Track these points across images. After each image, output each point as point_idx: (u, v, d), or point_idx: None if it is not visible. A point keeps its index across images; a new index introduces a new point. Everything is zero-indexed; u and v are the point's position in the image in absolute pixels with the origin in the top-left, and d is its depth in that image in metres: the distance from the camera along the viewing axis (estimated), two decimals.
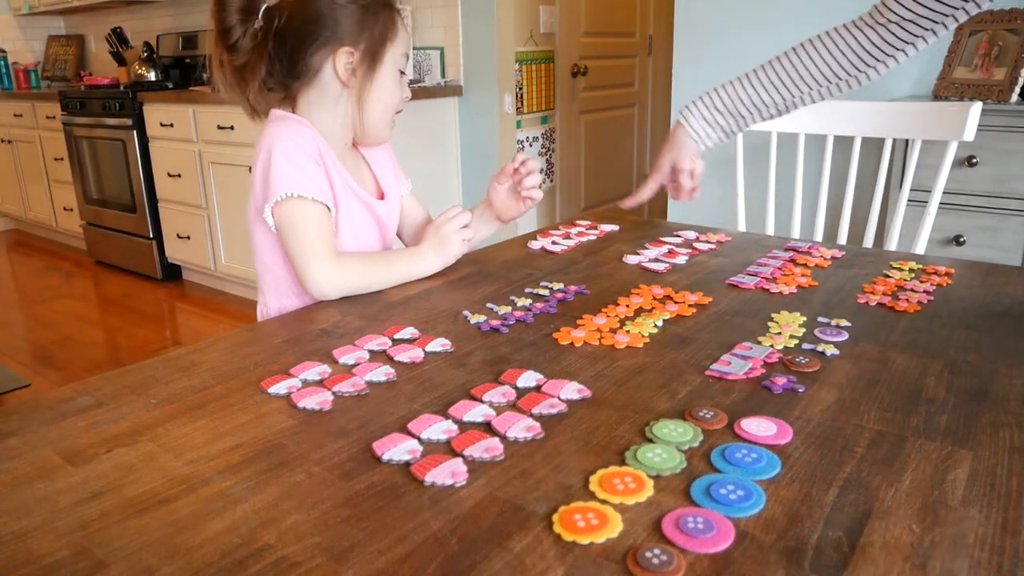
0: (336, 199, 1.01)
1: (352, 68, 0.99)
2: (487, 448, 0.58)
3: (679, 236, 1.24)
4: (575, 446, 0.59)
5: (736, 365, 0.73)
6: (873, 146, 2.13)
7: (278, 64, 0.98)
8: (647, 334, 0.82)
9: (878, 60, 1.09)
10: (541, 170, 3.41)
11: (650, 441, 0.59)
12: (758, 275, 1.02)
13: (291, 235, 0.96)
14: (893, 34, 1.05)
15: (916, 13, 1.02)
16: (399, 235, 1.20)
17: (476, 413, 0.64)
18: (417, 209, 1.21)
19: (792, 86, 1.14)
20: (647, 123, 4.14)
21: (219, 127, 3.11)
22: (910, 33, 1.04)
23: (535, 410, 0.64)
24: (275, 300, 1.07)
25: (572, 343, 0.80)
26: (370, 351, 0.78)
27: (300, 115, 1.02)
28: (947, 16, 1.02)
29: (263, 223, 1.00)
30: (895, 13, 1.04)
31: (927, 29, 1.03)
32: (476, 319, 0.87)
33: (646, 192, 1.23)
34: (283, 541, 0.48)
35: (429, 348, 0.79)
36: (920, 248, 1.44)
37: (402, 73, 1.04)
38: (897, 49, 1.07)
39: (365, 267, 0.98)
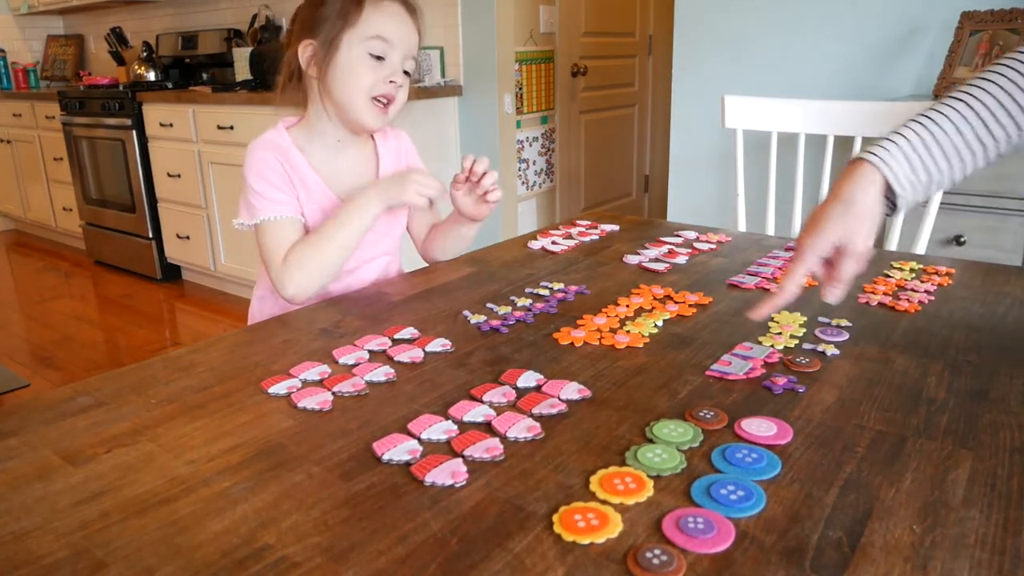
0: (307, 207, 1.06)
1: (312, 58, 1.03)
2: (487, 448, 0.58)
3: (679, 236, 1.24)
4: (575, 446, 0.59)
5: (736, 365, 0.73)
6: None
7: (285, 69, 1.07)
8: (647, 334, 0.82)
9: None
10: (541, 171, 3.41)
11: (650, 441, 0.59)
12: (758, 275, 1.02)
13: (262, 255, 1.04)
14: None
15: None
16: (409, 231, 1.20)
17: (476, 413, 0.64)
18: (429, 214, 1.20)
19: (1019, 115, 0.74)
20: (647, 123, 4.14)
21: (219, 127, 3.11)
22: None
23: (535, 410, 0.64)
24: (273, 301, 1.10)
25: (572, 343, 0.80)
26: (370, 351, 0.78)
27: (309, 112, 1.08)
28: None
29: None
30: None
31: None
32: (476, 319, 0.87)
33: (792, 289, 0.74)
34: (283, 541, 0.48)
35: (429, 348, 0.79)
36: (920, 248, 1.44)
37: (377, 57, 1.02)
38: None
39: (311, 250, 1.01)
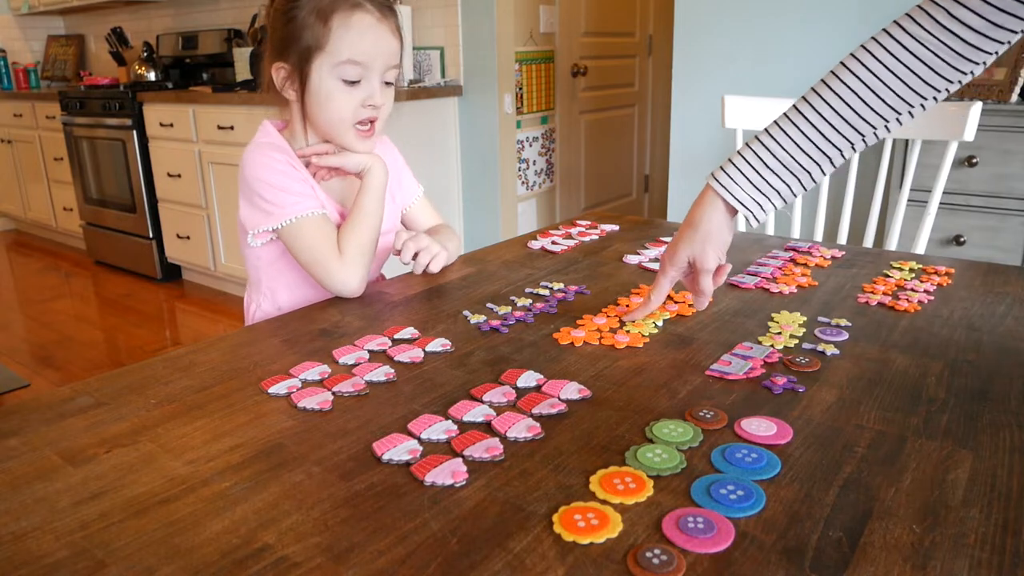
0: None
1: (286, 81, 0.99)
2: (487, 448, 0.58)
3: None
4: (575, 446, 0.59)
5: (736, 365, 0.73)
6: (873, 146, 2.13)
7: (265, 81, 1.03)
8: (647, 334, 0.82)
9: (974, 62, 0.73)
10: (541, 171, 3.41)
11: (650, 441, 0.59)
12: (758, 275, 1.02)
13: (301, 253, 0.98)
14: (992, 22, 0.70)
15: None
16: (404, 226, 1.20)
17: (476, 413, 0.64)
18: (423, 217, 1.18)
19: (868, 116, 0.76)
20: (647, 123, 4.14)
21: (219, 127, 3.11)
22: (1015, 17, 0.69)
23: (535, 410, 0.64)
24: (269, 303, 1.08)
25: (572, 343, 0.80)
26: (370, 351, 0.78)
27: (293, 123, 1.04)
28: None
29: (246, 238, 1.02)
30: None
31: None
32: (476, 319, 0.87)
33: (655, 300, 0.85)
34: (283, 541, 0.48)
35: (429, 348, 0.79)
36: (920, 248, 1.44)
37: (351, 82, 0.96)
38: (999, 43, 0.72)
39: (361, 239, 0.98)
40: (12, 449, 0.60)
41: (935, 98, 0.76)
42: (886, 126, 0.78)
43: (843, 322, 0.84)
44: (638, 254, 1.13)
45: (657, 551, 0.46)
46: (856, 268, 1.06)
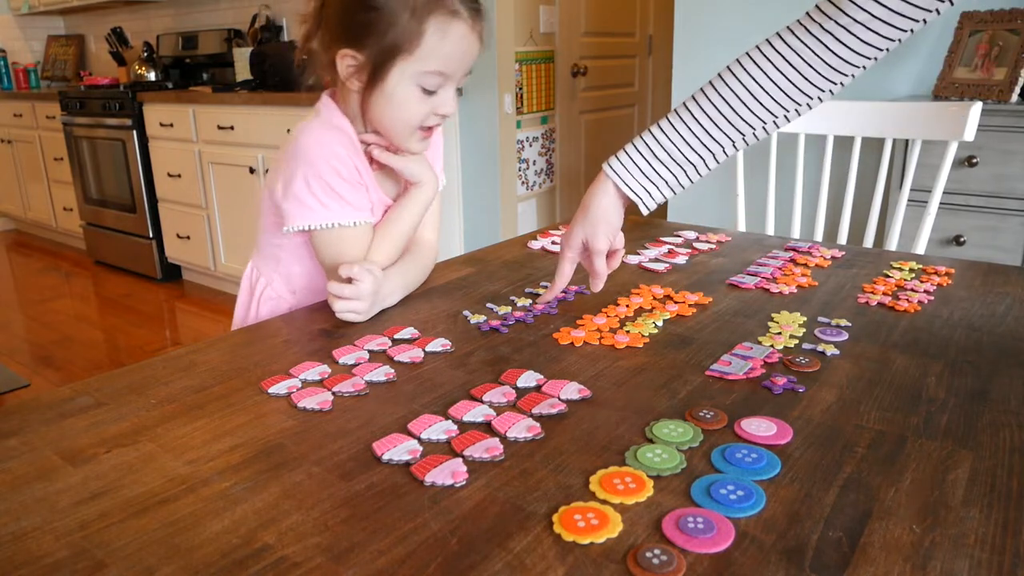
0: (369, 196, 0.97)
1: (353, 72, 0.89)
2: (487, 448, 0.58)
3: (679, 236, 1.24)
4: (575, 446, 0.59)
5: (736, 365, 0.73)
6: (873, 146, 2.13)
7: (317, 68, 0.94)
8: (647, 334, 0.82)
9: (843, 74, 0.80)
10: (541, 171, 3.40)
11: (650, 441, 0.59)
12: (758, 275, 1.02)
13: (327, 258, 0.94)
14: (860, 39, 0.78)
15: (892, 9, 0.76)
16: None
17: (476, 413, 0.64)
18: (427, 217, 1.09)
19: (749, 117, 0.83)
20: (647, 123, 4.14)
21: (219, 127, 3.11)
22: (883, 37, 0.77)
23: (535, 410, 0.64)
24: (282, 285, 1.04)
25: (572, 343, 0.80)
26: (370, 351, 0.78)
27: (349, 107, 0.94)
28: (929, 11, 0.76)
29: (274, 212, 0.96)
30: (864, 11, 0.76)
31: (903, 30, 0.78)
32: (476, 319, 0.87)
33: (559, 282, 0.90)
34: (283, 541, 0.48)
35: (429, 348, 0.79)
36: (920, 248, 1.44)
37: (427, 92, 0.88)
38: (867, 58, 0.79)
39: (390, 258, 0.95)
40: (12, 449, 0.60)
41: (809, 105, 0.83)
42: (764, 127, 0.84)
43: (843, 322, 0.84)
44: (638, 254, 1.13)
45: (657, 551, 0.46)
46: (856, 268, 1.06)
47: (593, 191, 0.89)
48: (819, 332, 0.81)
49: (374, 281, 0.86)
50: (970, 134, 1.37)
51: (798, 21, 0.81)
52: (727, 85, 0.83)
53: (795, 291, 0.96)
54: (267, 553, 0.47)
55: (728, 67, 0.84)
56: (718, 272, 1.05)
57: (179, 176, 3.42)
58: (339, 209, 0.91)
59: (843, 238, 1.57)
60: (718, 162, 0.87)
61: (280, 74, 3.01)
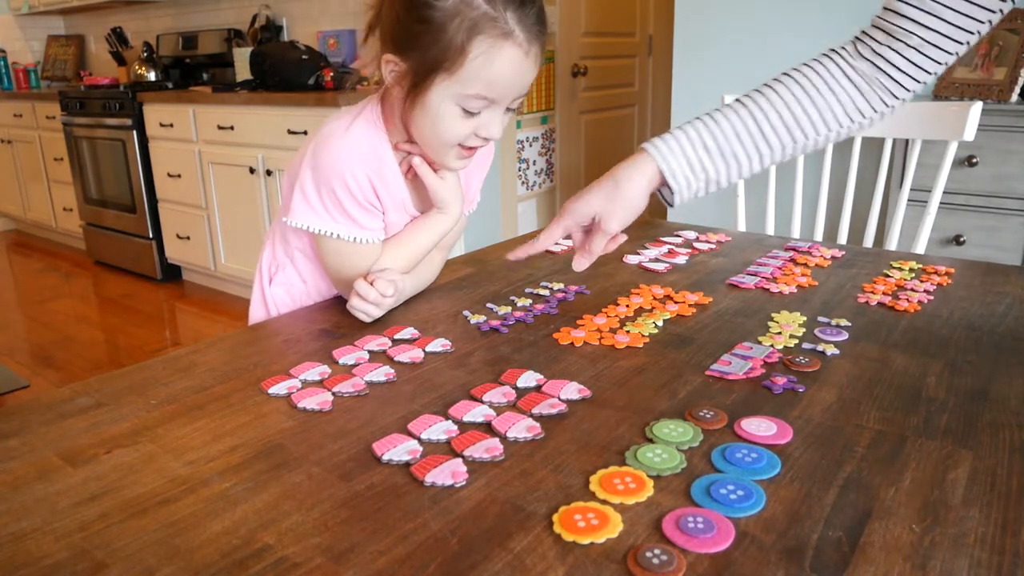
0: (385, 217, 0.94)
1: (396, 78, 0.83)
2: (487, 448, 0.58)
3: (679, 236, 1.24)
4: (575, 446, 0.59)
5: (736, 365, 0.73)
6: (873, 146, 2.13)
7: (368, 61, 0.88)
8: (647, 334, 0.82)
9: (897, 97, 0.80)
10: (541, 171, 3.41)
11: (650, 441, 0.59)
12: (758, 275, 1.02)
13: (331, 265, 0.93)
14: (912, 63, 0.77)
15: (938, 32, 0.74)
16: None
17: (476, 413, 0.64)
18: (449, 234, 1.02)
19: (807, 126, 0.81)
20: (647, 123, 4.14)
21: (219, 127, 3.11)
22: (932, 60, 0.77)
23: (535, 410, 0.64)
24: (294, 272, 1.02)
25: (572, 343, 0.80)
26: (370, 351, 0.78)
27: (395, 112, 0.89)
28: (983, 24, 0.75)
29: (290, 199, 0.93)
30: (915, 36, 0.75)
31: (951, 53, 0.77)
32: (476, 319, 0.87)
33: (543, 242, 0.85)
34: (283, 542, 0.48)
35: (429, 348, 0.79)
36: (920, 248, 1.44)
37: (470, 113, 0.81)
38: (918, 82, 0.79)
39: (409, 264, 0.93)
40: (12, 449, 0.60)
41: (861, 124, 0.82)
42: (817, 139, 0.82)
43: (843, 322, 0.84)
44: (638, 254, 1.13)
45: (657, 551, 0.46)
46: (856, 268, 1.06)
47: (625, 169, 0.81)
48: (819, 332, 0.81)
49: (397, 296, 0.87)
50: (970, 134, 1.37)
51: (842, 51, 0.81)
52: (792, 92, 0.80)
53: (795, 291, 0.96)
54: (267, 553, 0.47)
55: (793, 72, 0.81)
56: (718, 272, 1.05)
57: (179, 176, 3.42)
58: (345, 223, 0.89)
59: (843, 238, 1.57)
60: (763, 166, 0.83)
61: (280, 74, 3.01)
